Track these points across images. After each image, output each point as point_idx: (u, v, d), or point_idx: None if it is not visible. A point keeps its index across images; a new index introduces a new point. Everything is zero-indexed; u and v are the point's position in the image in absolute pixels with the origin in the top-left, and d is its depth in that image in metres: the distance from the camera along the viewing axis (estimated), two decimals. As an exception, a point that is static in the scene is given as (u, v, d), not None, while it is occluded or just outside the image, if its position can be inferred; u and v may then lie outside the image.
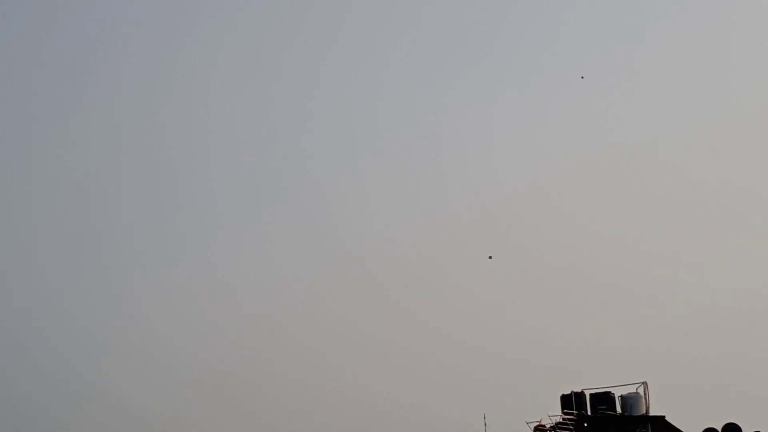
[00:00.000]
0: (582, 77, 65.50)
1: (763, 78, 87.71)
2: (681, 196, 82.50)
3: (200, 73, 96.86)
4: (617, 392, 48.67)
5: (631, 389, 48.59)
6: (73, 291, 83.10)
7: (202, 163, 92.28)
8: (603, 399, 48.42)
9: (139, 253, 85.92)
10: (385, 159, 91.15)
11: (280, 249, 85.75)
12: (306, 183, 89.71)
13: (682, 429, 48.32)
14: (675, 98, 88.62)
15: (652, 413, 48.40)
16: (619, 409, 48.49)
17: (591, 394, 48.68)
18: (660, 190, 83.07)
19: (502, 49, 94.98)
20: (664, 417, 48.44)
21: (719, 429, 47.60)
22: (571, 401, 48.56)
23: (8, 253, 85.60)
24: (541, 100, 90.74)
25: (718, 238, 79.96)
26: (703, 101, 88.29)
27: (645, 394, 48.49)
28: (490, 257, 64.06)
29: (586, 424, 48.09)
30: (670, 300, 73.94)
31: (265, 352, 78.40)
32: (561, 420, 48.33)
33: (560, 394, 48.98)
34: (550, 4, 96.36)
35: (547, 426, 48.51)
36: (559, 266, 78.03)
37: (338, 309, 79.77)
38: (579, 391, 48.73)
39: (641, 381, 48.55)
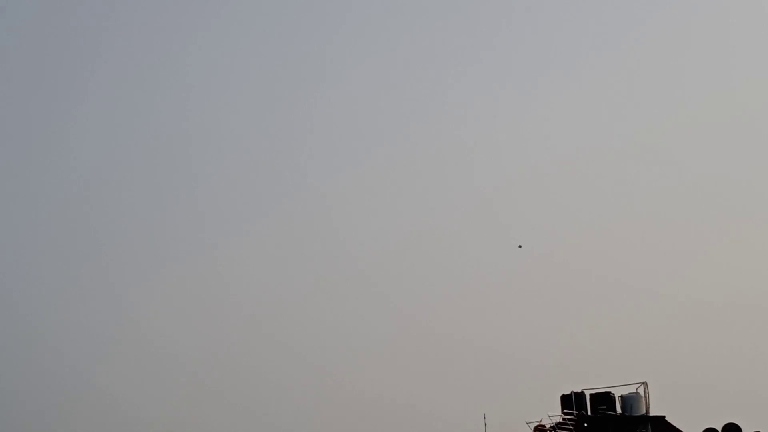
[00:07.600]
0: (520, 246, 65.14)
1: (763, 74, 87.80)
2: (682, 193, 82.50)
3: (200, 74, 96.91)
4: (617, 392, 48.65)
5: (631, 389, 48.55)
6: (73, 292, 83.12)
7: (202, 163, 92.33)
8: (603, 399, 48.38)
9: (138, 254, 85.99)
10: (386, 158, 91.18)
11: (280, 249, 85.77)
12: (307, 183, 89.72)
13: (682, 429, 48.26)
14: (676, 95, 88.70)
15: (652, 413, 48.37)
16: (619, 409, 48.45)
17: (591, 394, 48.65)
18: (661, 189, 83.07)
19: (503, 46, 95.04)
20: (664, 417, 48.40)
21: (719, 429, 47.57)
22: (571, 401, 48.52)
23: (9, 253, 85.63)
24: (542, 98, 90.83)
25: (720, 237, 79.99)
26: (704, 98, 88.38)
27: (645, 394, 48.44)
28: (520, 246, 63.73)
29: (586, 424, 48.03)
30: (671, 299, 73.96)
31: (266, 353, 78.43)
32: (561, 420, 48.28)
33: (560, 394, 48.95)
34: (551, 1, 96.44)
35: (547, 426, 48.46)
36: (559, 265, 78.04)
37: (338, 309, 79.78)
38: (579, 391, 48.69)
39: (641, 381, 48.52)
